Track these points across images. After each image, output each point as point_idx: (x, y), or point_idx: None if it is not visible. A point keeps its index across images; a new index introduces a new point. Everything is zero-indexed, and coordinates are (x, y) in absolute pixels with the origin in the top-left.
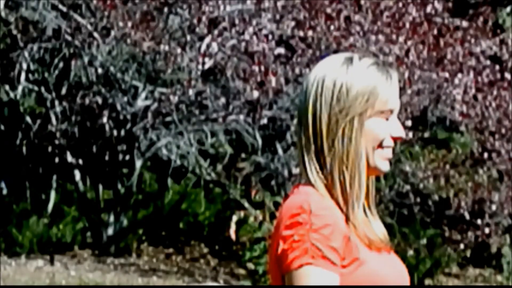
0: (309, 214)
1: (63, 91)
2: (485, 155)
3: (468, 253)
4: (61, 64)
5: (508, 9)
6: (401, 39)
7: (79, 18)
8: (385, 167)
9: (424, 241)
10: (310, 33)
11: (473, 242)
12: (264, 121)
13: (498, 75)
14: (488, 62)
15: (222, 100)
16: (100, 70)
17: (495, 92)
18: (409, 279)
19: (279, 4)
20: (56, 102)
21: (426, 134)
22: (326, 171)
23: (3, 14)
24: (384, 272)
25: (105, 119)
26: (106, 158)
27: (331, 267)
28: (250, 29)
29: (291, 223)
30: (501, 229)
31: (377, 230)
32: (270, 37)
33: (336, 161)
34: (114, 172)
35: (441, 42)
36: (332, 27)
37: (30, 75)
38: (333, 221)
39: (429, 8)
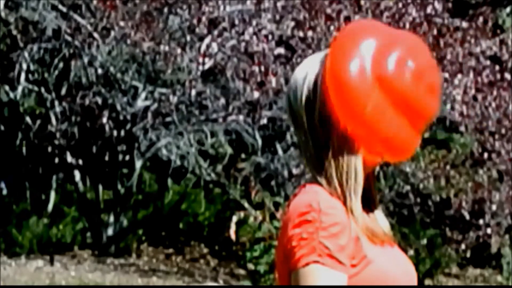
0: (318, 213)
1: (63, 91)
2: (485, 155)
3: (468, 253)
4: (61, 64)
5: (508, 9)
6: None
7: (79, 19)
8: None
9: (424, 241)
10: (310, 33)
11: (473, 242)
12: (264, 121)
13: (498, 76)
14: (488, 63)
15: (222, 100)
16: (100, 71)
17: (495, 93)
18: (415, 274)
19: (279, 4)
20: (56, 103)
21: (426, 134)
22: (325, 166)
23: (3, 14)
24: (392, 270)
25: (105, 119)
26: (106, 158)
27: (338, 266)
28: (250, 30)
29: (300, 222)
30: (501, 229)
31: (380, 222)
32: (270, 37)
33: (332, 156)
34: (114, 172)
35: (441, 43)
36: (332, 28)
37: (30, 76)
38: (341, 219)
39: (429, 9)
